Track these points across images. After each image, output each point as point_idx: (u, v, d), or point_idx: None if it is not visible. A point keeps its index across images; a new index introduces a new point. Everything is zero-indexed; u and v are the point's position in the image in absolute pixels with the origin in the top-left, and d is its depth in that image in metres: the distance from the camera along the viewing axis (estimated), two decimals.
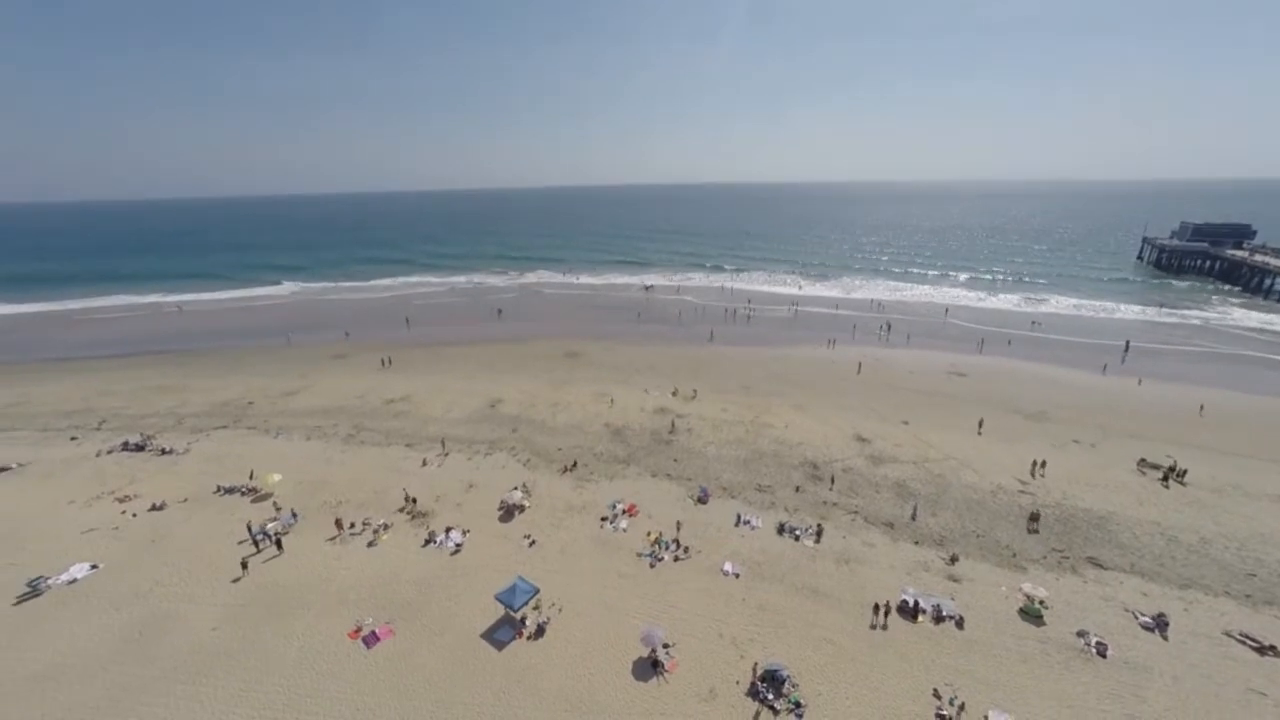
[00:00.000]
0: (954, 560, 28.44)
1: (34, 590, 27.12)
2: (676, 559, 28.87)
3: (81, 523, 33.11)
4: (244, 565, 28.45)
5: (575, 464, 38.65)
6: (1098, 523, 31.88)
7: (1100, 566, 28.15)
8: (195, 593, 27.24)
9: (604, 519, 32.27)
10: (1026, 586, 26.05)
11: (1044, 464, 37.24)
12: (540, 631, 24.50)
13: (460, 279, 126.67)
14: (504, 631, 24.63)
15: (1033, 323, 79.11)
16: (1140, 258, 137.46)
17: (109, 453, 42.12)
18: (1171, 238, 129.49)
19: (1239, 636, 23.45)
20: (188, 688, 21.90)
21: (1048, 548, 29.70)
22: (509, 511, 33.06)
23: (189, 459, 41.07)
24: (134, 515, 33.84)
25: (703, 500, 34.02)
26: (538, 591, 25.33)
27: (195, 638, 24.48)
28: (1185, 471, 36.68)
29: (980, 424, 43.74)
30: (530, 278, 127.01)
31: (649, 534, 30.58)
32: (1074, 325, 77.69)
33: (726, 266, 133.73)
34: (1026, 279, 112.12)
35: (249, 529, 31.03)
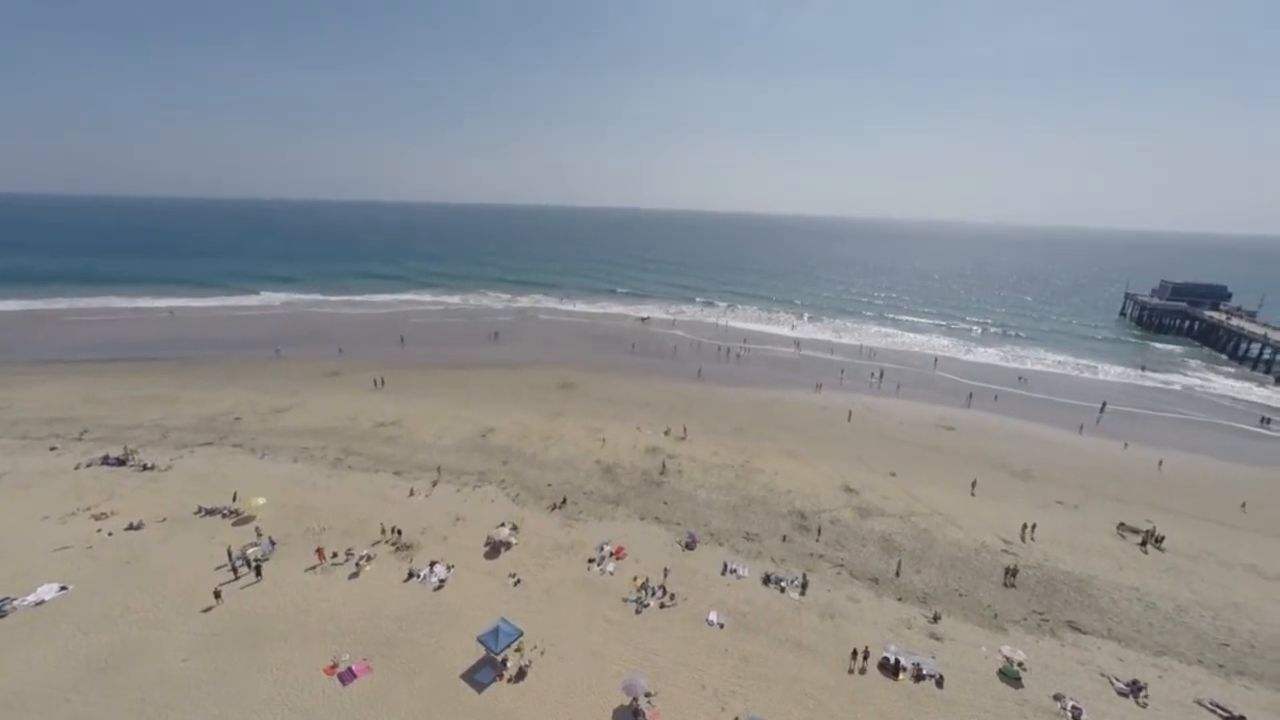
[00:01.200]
0: (936, 619, 28.63)
1: None
2: (662, 605, 28.77)
3: (54, 539, 32.34)
4: (217, 594, 27.74)
5: (565, 501, 38.65)
6: (1078, 586, 32.34)
7: (1079, 630, 28.48)
8: (168, 619, 26.60)
9: (591, 560, 32.17)
10: (1006, 648, 26.28)
11: (1034, 527, 37.60)
12: (522, 674, 24.19)
13: (456, 299, 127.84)
14: (485, 673, 24.27)
15: (1019, 378, 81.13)
16: (1123, 313, 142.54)
17: (88, 466, 41.39)
18: (1152, 295, 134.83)
19: (1210, 705, 23.76)
20: None
21: (1028, 609, 30.03)
22: (495, 548, 32.86)
23: (171, 476, 40.47)
24: (109, 534, 33.14)
25: (690, 546, 34.09)
26: (521, 635, 25.07)
27: (165, 667, 23.83)
28: (1163, 537, 37.49)
29: (974, 485, 43.99)
30: (527, 302, 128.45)
31: (636, 579, 30.50)
32: (1059, 384, 79.63)
33: (722, 302, 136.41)
34: (1013, 332, 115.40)
35: (229, 554, 30.52)
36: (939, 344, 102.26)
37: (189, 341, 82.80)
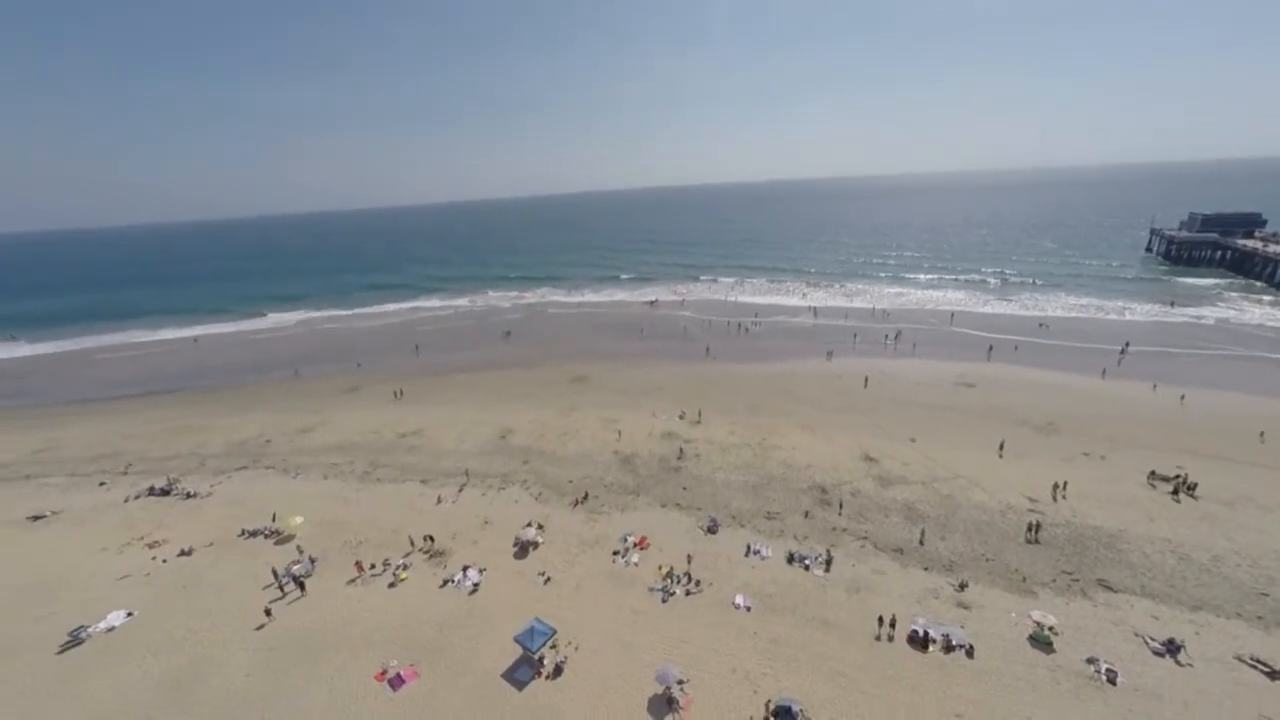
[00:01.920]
0: (963, 587, 28.75)
1: (75, 639, 28.34)
2: (688, 593, 29.48)
3: (115, 569, 34.48)
4: (268, 612, 29.41)
5: (586, 496, 39.47)
6: (1108, 542, 31.99)
7: (1110, 589, 28.30)
8: (227, 638, 28.30)
9: (616, 553, 32.98)
10: (1036, 613, 26.27)
11: (1065, 485, 36.91)
12: (558, 671, 25.21)
13: (464, 301, 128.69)
14: (523, 671, 25.37)
15: (1040, 325, 78.83)
16: (1149, 249, 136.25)
17: (136, 498, 43.64)
18: (1180, 228, 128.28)
19: (1250, 661, 23.51)
20: None
21: (1057, 570, 29.89)
22: (524, 548, 33.90)
23: (213, 502, 42.47)
24: (164, 561, 35.15)
25: (712, 530, 34.63)
26: (555, 633, 26.06)
27: (231, 684, 25.49)
28: (1196, 484, 36.62)
29: (1001, 446, 43.04)
30: (534, 296, 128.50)
31: (660, 567, 31.24)
32: (1083, 328, 77.23)
33: (729, 277, 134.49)
34: (1032, 279, 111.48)
35: (274, 573, 32.13)
36: (955, 298, 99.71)
37: (212, 369, 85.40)
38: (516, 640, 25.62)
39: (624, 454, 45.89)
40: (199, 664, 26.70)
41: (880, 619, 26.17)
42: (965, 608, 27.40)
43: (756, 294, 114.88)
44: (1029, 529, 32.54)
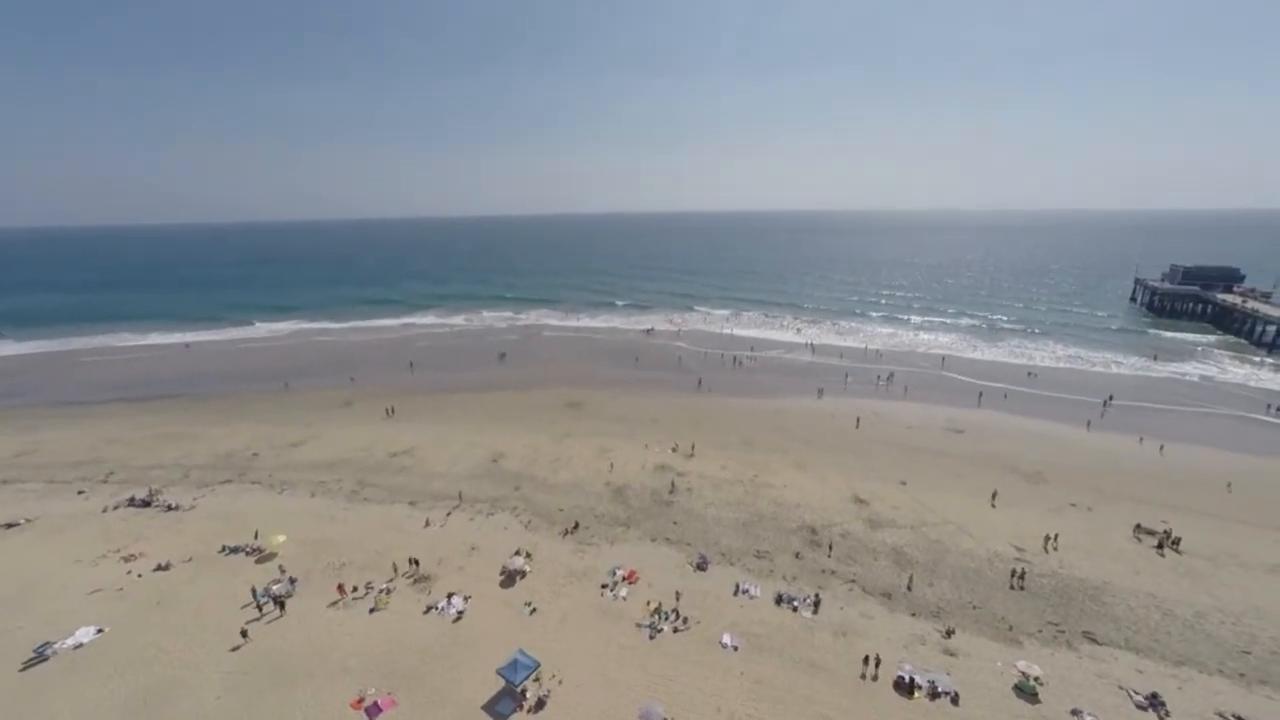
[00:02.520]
0: (950, 634, 28.72)
1: (40, 656, 27.43)
2: (676, 630, 29.17)
3: (88, 583, 33.56)
4: (244, 633, 28.69)
5: (577, 526, 39.24)
6: (1093, 594, 32.20)
7: (1095, 642, 28.40)
8: (199, 659, 27.50)
9: (604, 586, 32.68)
10: (1021, 663, 26.29)
11: (1056, 537, 37.09)
12: (541, 705, 24.71)
13: (460, 319, 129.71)
14: (505, 704, 24.82)
15: (1029, 374, 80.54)
16: (1134, 299, 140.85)
17: (115, 508, 42.78)
18: (1162, 280, 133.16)
19: (1232, 717, 23.59)
20: None
21: (1043, 620, 29.99)
22: (511, 577, 33.50)
23: (194, 516, 41.71)
24: (139, 575, 34.30)
25: (702, 567, 34.47)
26: (538, 665, 25.64)
27: (200, 707, 24.71)
28: (1180, 539, 37.16)
29: (994, 496, 43.07)
30: (530, 318, 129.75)
31: (649, 603, 30.95)
32: (1070, 379, 78.77)
33: (724, 309, 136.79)
34: (1021, 326, 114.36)
35: (253, 592, 31.46)
36: (945, 342, 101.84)
37: (201, 376, 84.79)
38: (499, 672, 25.16)
39: (616, 485, 45.83)
40: (168, 685, 25.88)
41: (866, 658, 26.37)
42: (951, 655, 27.33)
43: (751, 327, 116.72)
44: (1013, 575, 32.88)
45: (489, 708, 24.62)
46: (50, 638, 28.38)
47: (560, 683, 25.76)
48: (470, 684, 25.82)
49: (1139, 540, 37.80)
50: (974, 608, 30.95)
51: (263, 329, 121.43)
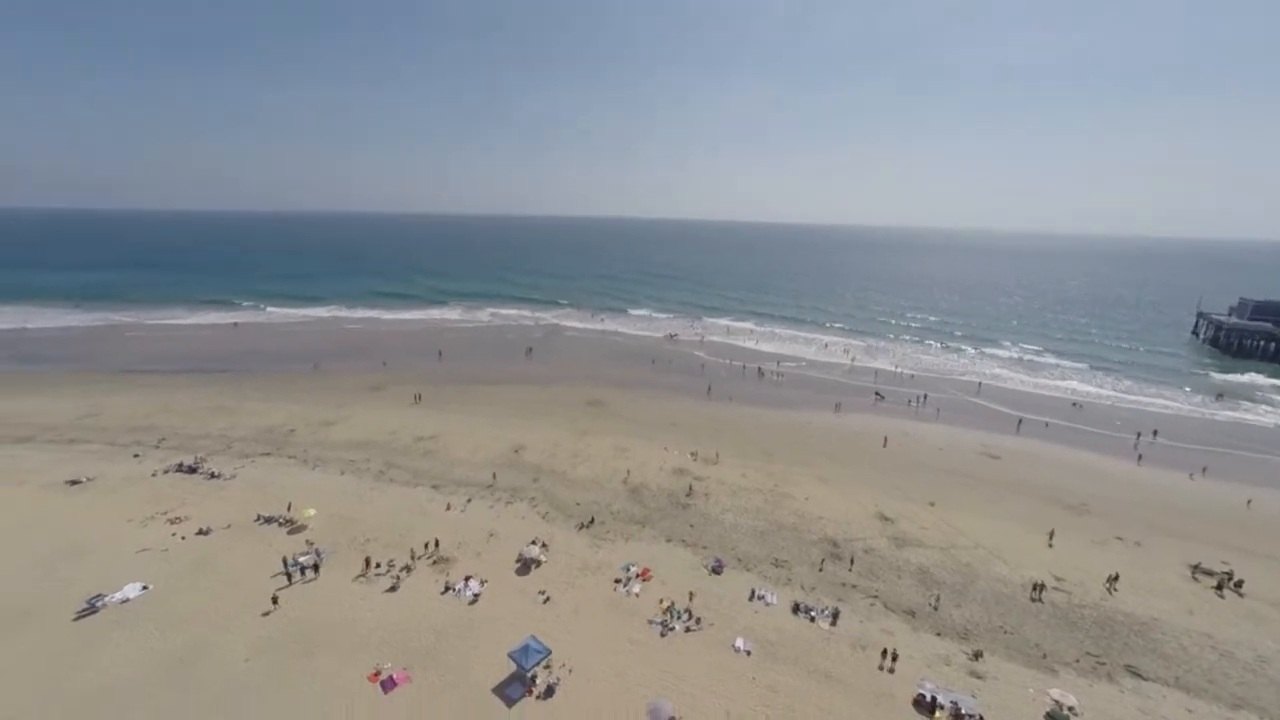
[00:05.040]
0: (978, 656, 27.31)
1: (91, 608, 29.14)
2: (688, 630, 28.80)
3: (137, 541, 35.67)
4: (274, 600, 29.92)
5: (592, 520, 39.38)
6: (1140, 629, 30.07)
7: (1140, 677, 26.45)
8: (231, 622, 28.69)
9: (617, 581, 32.60)
10: (1055, 691, 24.73)
11: (1116, 578, 34.06)
12: (550, 692, 24.76)
13: (486, 314, 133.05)
14: (515, 688, 24.98)
15: (1073, 404, 76.18)
16: (1195, 334, 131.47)
17: (165, 473, 45.43)
18: (1230, 314, 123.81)
19: None
20: None
21: (1082, 651, 28.17)
22: (526, 565, 33.84)
23: (235, 485, 43.89)
24: (183, 538, 36.25)
25: (717, 571, 33.97)
26: (549, 653, 25.73)
27: (229, 669, 25.67)
28: (1242, 581, 34.37)
29: (1051, 535, 39.42)
30: (554, 318, 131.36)
31: (661, 601, 30.68)
32: (1120, 414, 73.41)
33: (749, 320, 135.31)
34: (1067, 357, 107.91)
35: (284, 562, 32.78)
36: (983, 369, 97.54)
37: (246, 355, 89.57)
38: (511, 656, 25.37)
39: (633, 484, 45.79)
40: (202, 645, 27.05)
41: (884, 651, 26.21)
42: (978, 677, 25.96)
43: (778, 340, 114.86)
44: (1034, 587, 32.29)
45: (499, 690, 24.82)
46: (101, 591, 30.16)
47: (570, 672, 25.78)
48: (482, 666, 26.09)
49: (1196, 580, 35.13)
50: (1005, 632, 29.36)
51: (299, 313, 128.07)
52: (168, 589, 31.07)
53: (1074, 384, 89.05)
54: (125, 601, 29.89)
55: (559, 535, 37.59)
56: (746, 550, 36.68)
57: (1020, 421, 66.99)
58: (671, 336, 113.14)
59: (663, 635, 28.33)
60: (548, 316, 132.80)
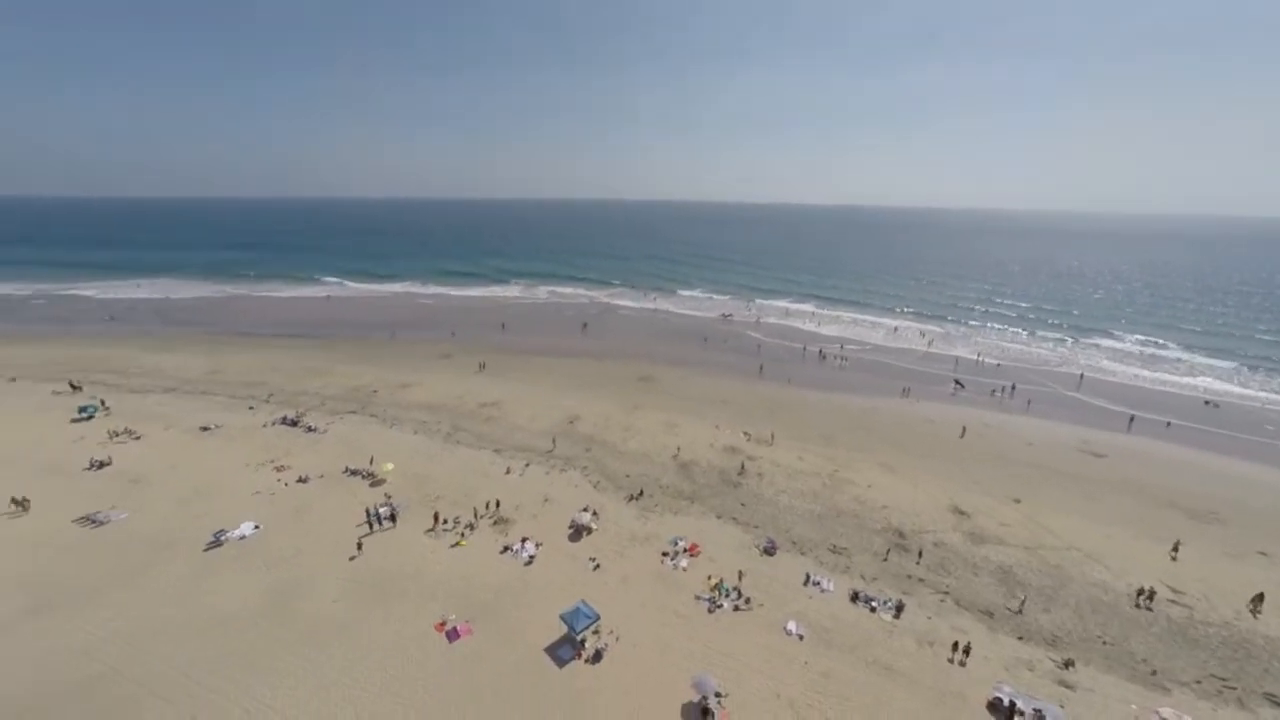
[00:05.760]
0: (1068, 665, 24.58)
1: (217, 541, 33.78)
2: (736, 608, 28.41)
3: (251, 484, 40.79)
4: (359, 545, 33.07)
5: (641, 492, 39.67)
6: None
7: None
8: (324, 564, 31.91)
9: (665, 554, 32.73)
10: (1166, 710, 21.62)
11: (1261, 598, 29.35)
12: (598, 656, 25.52)
13: (544, 292, 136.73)
14: (565, 650, 25.99)
15: (1205, 403, 64.90)
16: None
17: (272, 424, 51.43)
18: None
19: None
20: (312, 652, 25.56)
21: (1205, 672, 24.49)
22: (578, 531, 34.88)
23: (327, 439, 48.84)
24: (286, 485, 40.99)
25: (769, 552, 33.05)
26: (598, 618, 26.45)
27: (321, 606, 28.59)
28: None
29: (1175, 547, 34.51)
30: (608, 296, 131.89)
31: (709, 577, 30.45)
32: (1273, 418, 61.51)
33: (813, 302, 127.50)
34: (1201, 350, 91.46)
35: (367, 512, 36.13)
36: (1086, 359, 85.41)
37: (336, 323, 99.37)
38: (562, 617, 26.35)
39: (683, 460, 45.45)
40: (299, 583, 30.23)
41: (955, 644, 24.78)
42: (1068, 687, 23.40)
43: (841, 324, 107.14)
44: (1139, 594, 28.80)
45: (550, 651, 25.85)
46: (224, 527, 34.84)
47: (618, 639, 26.38)
48: (536, 626, 27.21)
49: None
50: (1103, 643, 26.14)
51: (377, 289, 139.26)
52: (275, 529, 35.27)
53: (1207, 381, 75.63)
54: (243, 538, 34.35)
55: (609, 505, 38.30)
56: (801, 533, 35.33)
57: (1132, 419, 58.30)
58: (726, 316, 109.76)
59: (710, 612, 28.18)
60: (602, 295, 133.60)
